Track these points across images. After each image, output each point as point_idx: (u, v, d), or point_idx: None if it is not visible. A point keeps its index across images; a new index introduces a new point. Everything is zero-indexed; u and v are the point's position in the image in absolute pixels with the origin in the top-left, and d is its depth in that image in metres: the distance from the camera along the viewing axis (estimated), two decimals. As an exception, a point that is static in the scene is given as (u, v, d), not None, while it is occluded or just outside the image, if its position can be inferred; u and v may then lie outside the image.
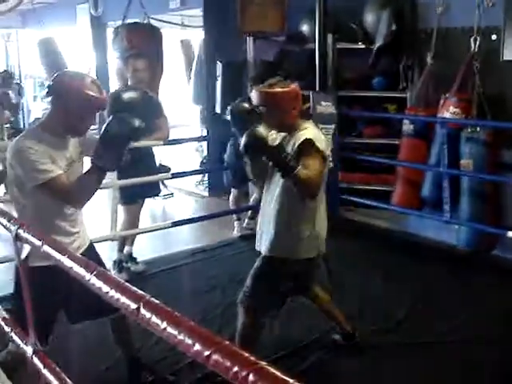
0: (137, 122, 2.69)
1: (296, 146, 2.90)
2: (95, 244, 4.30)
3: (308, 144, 2.87)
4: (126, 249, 4.96)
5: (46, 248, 1.81)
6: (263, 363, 1.08)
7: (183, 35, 10.72)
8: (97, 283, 1.50)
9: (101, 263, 2.85)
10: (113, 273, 4.74)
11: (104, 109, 2.94)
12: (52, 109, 2.71)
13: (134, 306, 1.35)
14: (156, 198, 7.37)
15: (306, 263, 3.06)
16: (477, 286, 4.47)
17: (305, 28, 6.48)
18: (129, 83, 4.74)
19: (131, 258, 4.97)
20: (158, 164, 7.45)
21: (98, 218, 5.26)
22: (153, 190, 5.15)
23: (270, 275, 3.07)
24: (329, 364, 3.44)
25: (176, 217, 6.36)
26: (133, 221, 4.89)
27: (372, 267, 4.86)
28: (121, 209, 4.85)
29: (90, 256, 2.61)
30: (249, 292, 3.08)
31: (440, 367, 3.36)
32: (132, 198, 4.80)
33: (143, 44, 6.05)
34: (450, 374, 3.31)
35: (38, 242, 1.87)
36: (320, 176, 2.85)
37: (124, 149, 2.72)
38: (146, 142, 4.72)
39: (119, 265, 4.85)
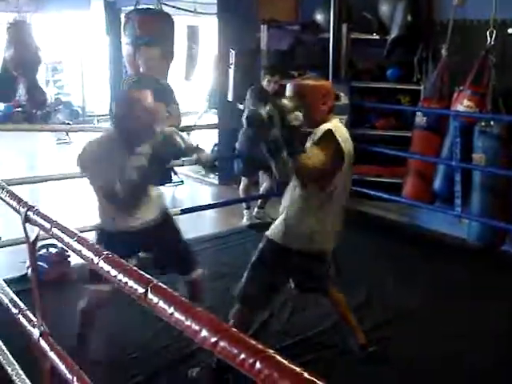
0: (180, 144, 3.09)
1: (317, 136, 2.90)
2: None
3: (326, 134, 2.85)
4: None
5: (55, 231, 1.80)
6: (270, 351, 1.07)
7: (192, 21, 10.67)
8: (105, 267, 1.49)
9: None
10: None
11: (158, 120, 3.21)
12: (115, 123, 3.04)
13: (141, 290, 1.35)
14: (166, 185, 7.39)
15: (308, 257, 3.03)
16: (486, 280, 4.45)
17: (319, 17, 6.44)
18: (140, 70, 4.72)
19: None
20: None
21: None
22: (164, 177, 5.15)
23: (269, 261, 3.07)
24: (335, 355, 3.43)
25: (185, 204, 6.35)
26: None
27: (382, 259, 4.84)
28: None
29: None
30: (244, 285, 3.10)
31: (449, 361, 3.35)
32: None
33: (155, 31, 6.01)
34: (458, 368, 3.30)
35: (47, 225, 1.87)
36: (320, 167, 2.78)
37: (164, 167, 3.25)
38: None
39: None
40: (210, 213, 6.00)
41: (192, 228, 5.31)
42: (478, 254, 4.99)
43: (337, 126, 2.95)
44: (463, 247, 5.11)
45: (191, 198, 7.12)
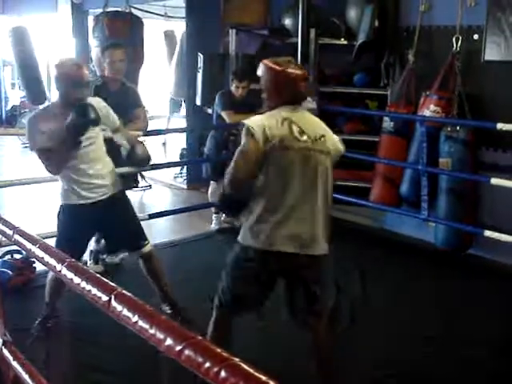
0: (92, 115, 3.24)
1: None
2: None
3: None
4: (103, 240, 4.91)
5: (17, 237, 1.77)
6: (236, 359, 1.06)
7: (167, 26, 10.66)
8: (68, 274, 1.46)
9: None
10: (89, 263, 4.70)
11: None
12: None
13: (105, 298, 1.32)
14: (133, 189, 7.32)
15: (255, 253, 2.70)
16: (452, 283, 4.50)
17: (287, 22, 6.45)
18: (105, 73, 4.67)
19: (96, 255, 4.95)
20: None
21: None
22: (128, 182, 5.11)
23: (236, 261, 2.79)
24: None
25: (153, 209, 6.30)
26: None
27: (349, 263, 4.85)
28: None
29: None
30: (221, 285, 2.86)
31: (413, 360, 3.37)
32: None
33: (124, 33, 5.98)
34: (426, 372, 3.32)
35: (9, 231, 1.83)
36: (237, 167, 2.63)
37: (76, 137, 3.29)
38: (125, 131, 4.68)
39: (95, 256, 4.79)
40: (178, 217, 5.95)
41: (160, 233, 5.29)
42: (445, 257, 5.04)
43: (259, 118, 2.71)
44: (430, 250, 5.16)
45: (159, 203, 7.06)
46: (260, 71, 2.80)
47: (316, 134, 2.73)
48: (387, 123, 5.53)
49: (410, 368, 3.34)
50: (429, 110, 5.06)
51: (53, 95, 10.60)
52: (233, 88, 5.47)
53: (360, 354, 3.48)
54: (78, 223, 3.48)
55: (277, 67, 2.74)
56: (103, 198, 3.53)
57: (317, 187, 2.72)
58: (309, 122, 2.77)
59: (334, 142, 2.82)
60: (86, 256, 4.76)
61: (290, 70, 2.73)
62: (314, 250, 2.70)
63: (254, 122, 2.67)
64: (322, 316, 2.81)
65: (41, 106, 3.67)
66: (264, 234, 2.67)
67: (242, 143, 2.65)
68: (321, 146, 2.72)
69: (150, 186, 7.59)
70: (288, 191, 2.67)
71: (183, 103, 9.38)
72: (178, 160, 8.23)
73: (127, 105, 4.63)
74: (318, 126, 2.82)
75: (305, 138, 2.68)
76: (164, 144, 10.24)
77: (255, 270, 2.72)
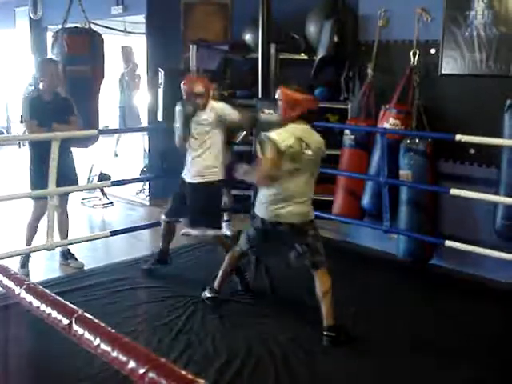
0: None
1: None
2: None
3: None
4: (61, 248, 5.05)
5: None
6: (201, 381, 1.04)
7: (126, 41, 10.60)
8: (27, 297, 1.43)
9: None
10: (17, 267, 4.79)
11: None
12: None
13: (65, 321, 1.30)
14: (95, 206, 7.28)
15: None
16: (414, 294, 4.54)
17: (248, 37, 6.49)
18: (40, 86, 4.90)
19: (70, 254, 5.06)
20: (99, 172, 7.40)
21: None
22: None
23: None
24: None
25: (115, 226, 6.23)
26: (38, 217, 4.92)
27: (311, 276, 4.86)
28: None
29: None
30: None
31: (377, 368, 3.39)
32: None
33: (83, 50, 5.94)
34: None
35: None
36: None
37: None
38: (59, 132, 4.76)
39: (24, 260, 4.88)
40: (140, 234, 5.89)
41: (122, 250, 5.23)
42: (407, 268, 5.08)
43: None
44: (393, 262, 5.20)
45: (121, 220, 6.98)
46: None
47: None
48: (348, 136, 5.59)
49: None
50: (388, 123, 5.13)
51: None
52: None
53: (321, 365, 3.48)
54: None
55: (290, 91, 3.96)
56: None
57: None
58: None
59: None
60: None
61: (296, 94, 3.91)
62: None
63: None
64: None
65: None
66: None
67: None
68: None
69: (111, 202, 7.51)
70: None
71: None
72: (139, 176, 8.15)
73: (61, 112, 4.88)
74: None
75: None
76: (116, 155, 10.11)
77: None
